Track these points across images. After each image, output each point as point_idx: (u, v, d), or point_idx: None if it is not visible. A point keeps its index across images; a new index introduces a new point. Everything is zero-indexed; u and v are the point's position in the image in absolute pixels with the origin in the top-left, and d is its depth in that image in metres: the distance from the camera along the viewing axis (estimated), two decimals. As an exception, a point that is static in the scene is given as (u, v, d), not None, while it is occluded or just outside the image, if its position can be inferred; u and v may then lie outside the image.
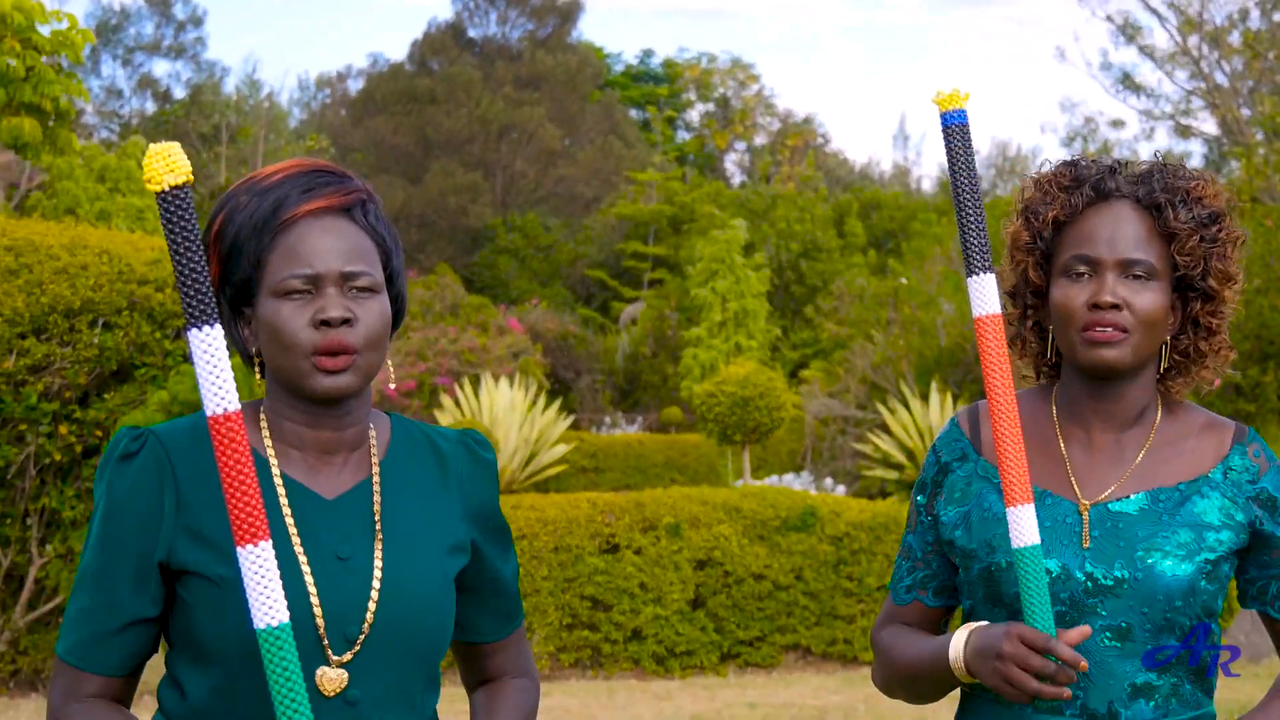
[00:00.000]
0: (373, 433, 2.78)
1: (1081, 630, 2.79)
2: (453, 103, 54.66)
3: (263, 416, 2.73)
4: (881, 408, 20.37)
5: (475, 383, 24.19)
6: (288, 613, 2.39)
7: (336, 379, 2.62)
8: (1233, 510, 3.01)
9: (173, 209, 2.29)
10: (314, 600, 2.59)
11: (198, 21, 55.32)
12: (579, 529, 11.75)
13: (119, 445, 2.65)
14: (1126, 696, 2.92)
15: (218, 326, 2.32)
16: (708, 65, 66.92)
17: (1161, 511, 2.98)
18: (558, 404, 23.81)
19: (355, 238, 2.67)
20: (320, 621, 2.60)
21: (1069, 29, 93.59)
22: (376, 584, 2.65)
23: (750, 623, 11.67)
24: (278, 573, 2.39)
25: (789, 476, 20.21)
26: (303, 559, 2.62)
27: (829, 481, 20.07)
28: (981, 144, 64.82)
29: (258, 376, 2.73)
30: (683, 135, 66.72)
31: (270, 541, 2.37)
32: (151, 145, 2.30)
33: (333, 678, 2.60)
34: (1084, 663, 2.75)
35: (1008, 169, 55.27)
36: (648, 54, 69.16)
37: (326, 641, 2.60)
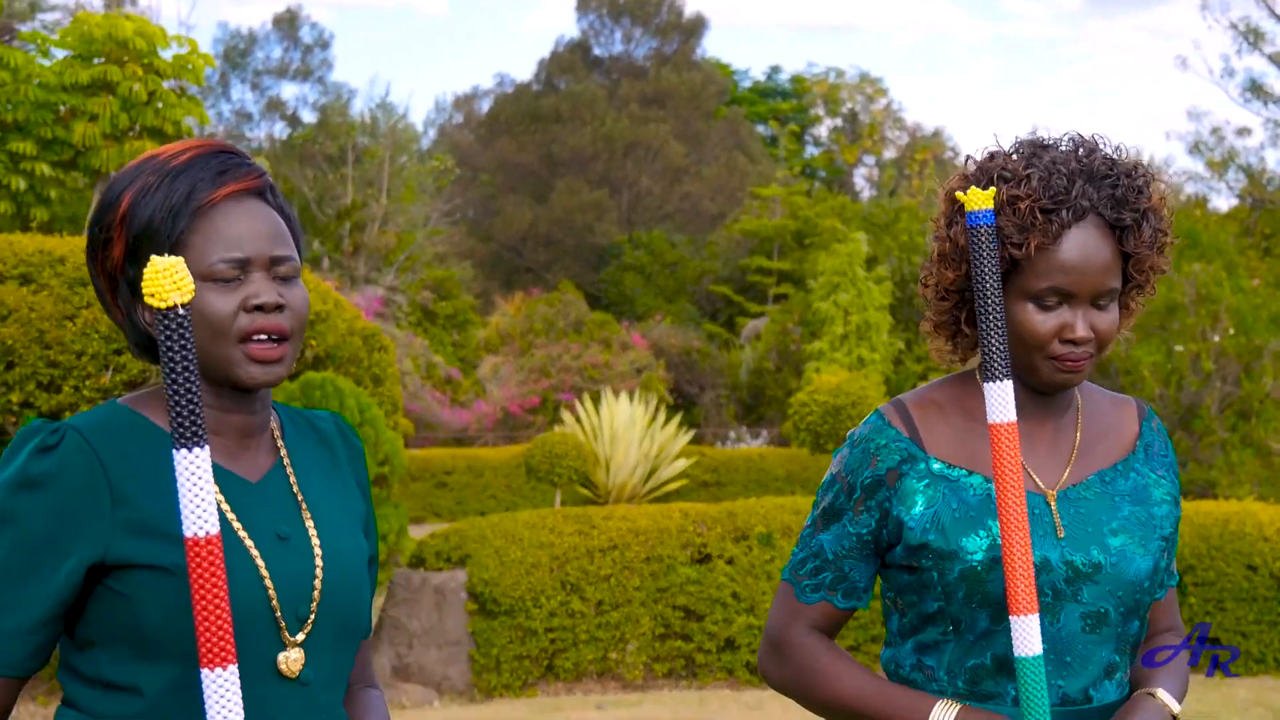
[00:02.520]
0: (274, 417, 2.76)
1: None
2: (578, 121, 54.98)
3: None
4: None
5: (596, 399, 24.26)
6: None
7: (269, 369, 2.58)
8: (1166, 485, 3.07)
9: (173, 327, 2.21)
10: (268, 581, 2.55)
11: (324, 45, 56.03)
12: (670, 539, 11.77)
13: (33, 438, 2.55)
14: (1100, 679, 2.95)
15: (206, 449, 2.23)
16: (836, 80, 66.73)
17: (1113, 493, 3.00)
18: (678, 419, 23.83)
19: (274, 220, 2.63)
20: (275, 602, 2.55)
21: (1190, 37, 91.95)
22: (319, 560, 2.62)
23: (845, 632, 11.62)
24: (240, 696, 2.30)
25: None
26: (249, 543, 2.56)
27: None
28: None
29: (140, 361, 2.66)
30: (811, 151, 66.60)
31: (236, 666, 2.29)
32: (155, 259, 2.21)
33: (295, 658, 2.57)
34: None
35: (1140, 179, 54.40)
36: (775, 70, 69.18)
37: (284, 623, 2.56)
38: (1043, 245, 2.90)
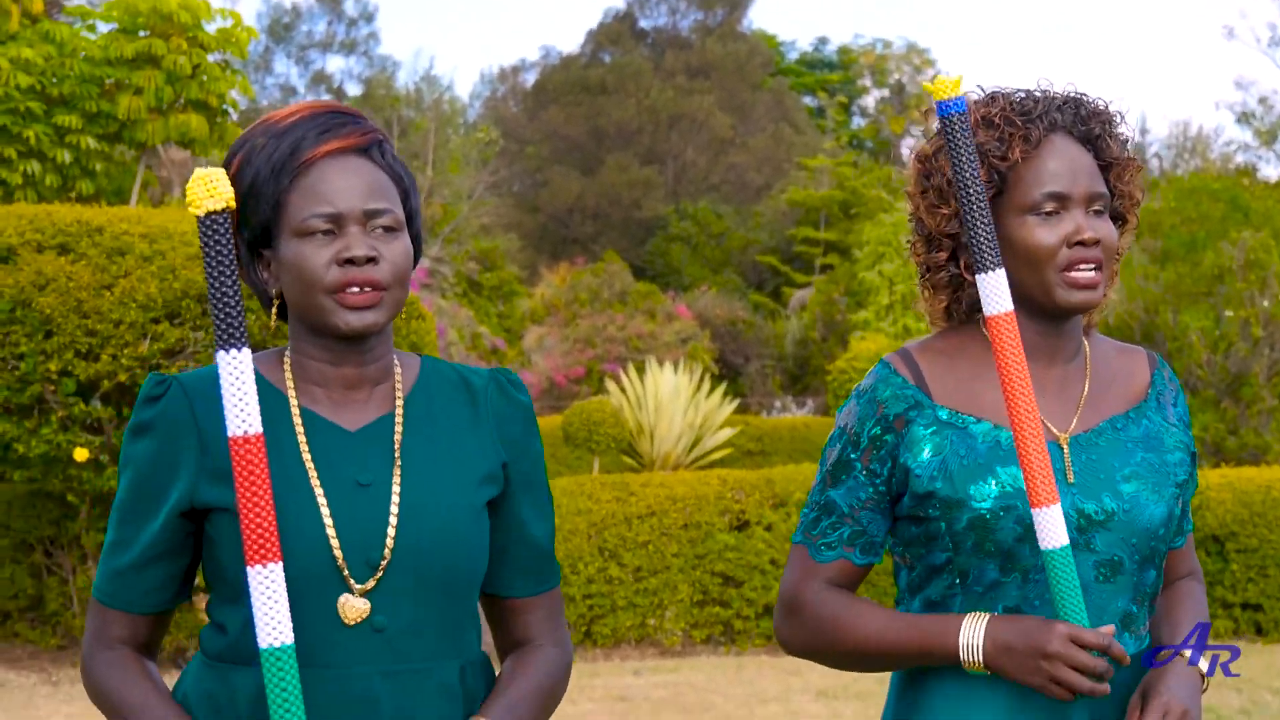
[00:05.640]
0: (398, 370, 2.80)
1: (1109, 627, 2.75)
2: (623, 93, 54.94)
3: (286, 358, 2.76)
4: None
5: (641, 369, 24.25)
6: (292, 634, 2.45)
7: (363, 315, 2.64)
8: (1178, 433, 3.04)
9: (211, 232, 2.35)
10: (330, 529, 2.62)
11: (369, 17, 56.14)
12: (709, 506, 11.76)
13: (145, 388, 2.70)
14: (1117, 631, 2.91)
15: (246, 351, 2.38)
16: (883, 51, 66.48)
17: (1125, 439, 2.97)
18: (723, 388, 23.80)
19: (375, 176, 2.69)
20: (338, 551, 2.62)
21: (1238, 6, 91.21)
22: (395, 508, 2.66)
23: (881, 599, 11.60)
24: (285, 594, 2.44)
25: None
26: (318, 489, 2.64)
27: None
28: (1159, 126, 63.34)
29: (273, 321, 2.76)
30: (858, 122, 66.39)
31: (280, 564, 2.42)
32: (198, 169, 2.36)
33: (355, 605, 2.63)
34: (1128, 657, 2.76)
35: (1188, 148, 54.16)
36: (822, 41, 69.10)
37: (346, 570, 2.62)
38: (1026, 154, 2.93)
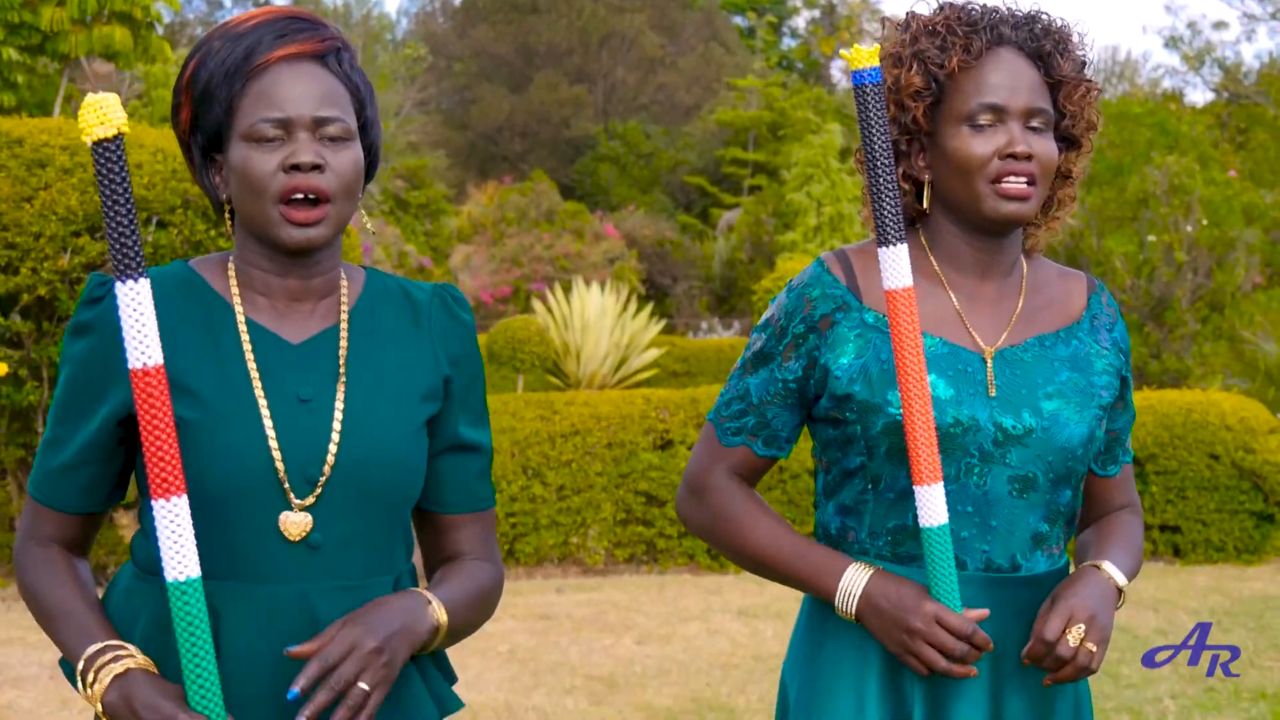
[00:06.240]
0: (344, 282, 2.77)
1: (980, 612, 2.78)
2: (554, 11, 54.62)
3: (231, 265, 2.73)
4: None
5: (568, 288, 24.23)
6: (199, 568, 2.41)
7: (306, 231, 2.61)
8: (1109, 357, 3.04)
9: (104, 160, 2.30)
10: (273, 444, 2.61)
11: (298, -70, 55.51)
12: (633, 425, 11.76)
13: (87, 289, 2.67)
14: (1028, 548, 2.93)
15: (144, 281, 2.33)
16: (814, -30, 66.30)
17: (1051, 357, 2.98)
18: (649, 308, 23.83)
19: (329, 83, 2.66)
20: (280, 465, 2.61)
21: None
22: (337, 425, 2.65)
23: (806, 518, 11.64)
24: (190, 527, 2.40)
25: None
26: (263, 403, 2.63)
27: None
28: (1087, 50, 63.35)
29: (228, 225, 2.73)
30: (788, 43, 66.21)
31: (185, 497, 2.39)
32: (88, 96, 2.31)
33: (297, 521, 2.62)
34: (991, 645, 2.77)
35: (1116, 73, 54.38)
36: (753, -41, 68.62)
37: (288, 485, 2.61)
38: (965, 64, 2.93)
